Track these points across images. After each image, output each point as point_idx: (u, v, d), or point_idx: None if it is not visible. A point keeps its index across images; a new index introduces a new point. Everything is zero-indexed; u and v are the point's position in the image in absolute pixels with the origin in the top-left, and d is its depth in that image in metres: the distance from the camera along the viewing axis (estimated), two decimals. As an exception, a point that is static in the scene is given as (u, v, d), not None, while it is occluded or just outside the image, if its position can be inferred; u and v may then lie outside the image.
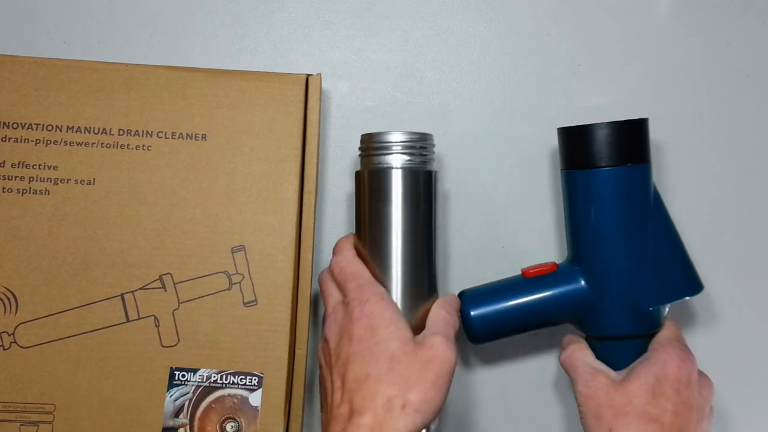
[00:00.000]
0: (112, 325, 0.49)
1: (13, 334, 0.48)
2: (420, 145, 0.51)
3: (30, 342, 0.49)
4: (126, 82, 0.51)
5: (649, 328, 0.51)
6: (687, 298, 0.52)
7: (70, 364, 0.48)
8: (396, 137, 0.51)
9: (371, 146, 0.51)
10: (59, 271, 0.49)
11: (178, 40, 0.59)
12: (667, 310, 0.52)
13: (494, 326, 0.52)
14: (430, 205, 0.51)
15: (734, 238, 0.60)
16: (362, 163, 0.52)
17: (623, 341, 0.51)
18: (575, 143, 0.51)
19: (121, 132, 0.51)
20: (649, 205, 0.50)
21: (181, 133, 0.51)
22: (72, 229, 0.50)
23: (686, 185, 0.60)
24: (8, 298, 0.49)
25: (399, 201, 0.50)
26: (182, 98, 0.51)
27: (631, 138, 0.50)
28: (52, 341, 0.49)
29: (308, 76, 0.52)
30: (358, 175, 0.52)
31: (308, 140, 0.52)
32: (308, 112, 0.52)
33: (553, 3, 0.60)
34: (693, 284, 0.51)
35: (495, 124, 0.60)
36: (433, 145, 0.52)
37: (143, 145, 0.51)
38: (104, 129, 0.51)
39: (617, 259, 0.50)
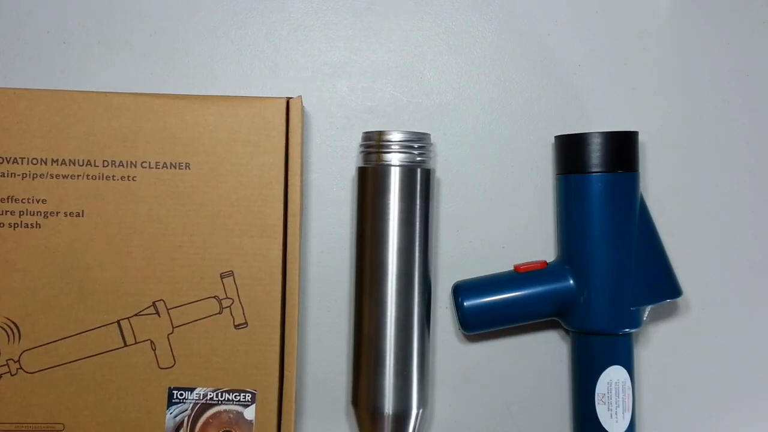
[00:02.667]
0: (111, 350, 0.51)
1: (19, 360, 0.50)
2: (418, 144, 0.53)
3: (35, 367, 0.50)
4: (105, 110, 0.51)
5: (630, 326, 0.54)
6: (667, 300, 0.55)
7: (74, 386, 0.50)
8: (395, 136, 0.53)
9: (371, 144, 0.54)
10: (56, 301, 0.50)
11: (178, 40, 0.59)
12: (647, 311, 0.55)
13: (485, 316, 0.55)
14: (426, 200, 0.54)
15: (734, 238, 0.60)
16: (363, 159, 0.54)
17: (604, 337, 0.54)
18: (570, 150, 0.54)
19: (106, 163, 0.51)
20: (636, 212, 0.54)
21: (165, 163, 0.51)
22: (65, 261, 0.50)
23: (686, 185, 0.60)
24: (11, 328, 0.50)
25: (396, 196, 0.52)
26: (163, 127, 0.51)
27: (622, 147, 0.53)
28: (56, 366, 0.50)
29: (289, 99, 0.52)
30: (360, 171, 0.54)
31: (291, 163, 0.52)
32: (290, 135, 0.52)
33: (553, 3, 0.60)
34: (673, 289, 0.55)
35: (495, 124, 0.59)
36: (431, 144, 0.55)
37: (128, 176, 0.51)
38: (88, 161, 0.51)
39: (603, 259, 0.53)
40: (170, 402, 0.50)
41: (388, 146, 0.53)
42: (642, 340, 0.59)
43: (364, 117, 0.59)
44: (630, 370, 0.54)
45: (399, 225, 0.52)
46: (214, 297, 0.51)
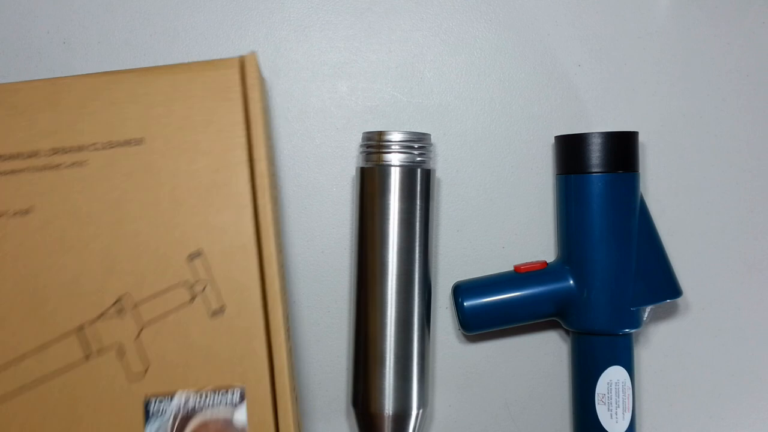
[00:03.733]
0: (73, 364, 0.45)
1: None
2: (418, 145, 0.53)
3: None
4: (49, 97, 0.47)
5: (630, 326, 0.54)
6: (667, 300, 0.54)
7: (38, 414, 0.45)
8: (395, 136, 0.53)
9: (372, 144, 0.53)
10: (8, 315, 0.46)
11: (178, 40, 0.59)
12: (647, 311, 0.55)
13: (485, 316, 0.55)
14: (426, 201, 0.53)
15: (734, 238, 0.60)
16: (363, 159, 0.54)
17: (604, 337, 0.54)
18: (571, 150, 0.54)
19: (53, 151, 0.47)
20: (636, 212, 0.54)
21: (115, 141, 0.47)
22: (15, 267, 0.46)
23: (686, 185, 0.60)
24: None
25: (396, 196, 0.52)
26: (111, 103, 0.47)
27: (622, 148, 0.53)
28: (15, 394, 0.45)
29: (242, 57, 0.48)
30: (360, 171, 0.54)
31: (252, 122, 0.47)
32: (248, 93, 0.48)
33: (553, 3, 0.60)
34: (673, 289, 0.55)
35: (495, 124, 0.59)
36: (431, 145, 0.55)
37: (77, 162, 0.47)
38: (34, 152, 0.47)
39: (603, 260, 0.53)
40: (148, 416, 0.45)
41: (388, 146, 0.53)
42: (642, 340, 0.59)
43: (364, 117, 0.59)
44: (630, 370, 0.54)
45: (399, 225, 0.52)
46: (184, 282, 0.46)
